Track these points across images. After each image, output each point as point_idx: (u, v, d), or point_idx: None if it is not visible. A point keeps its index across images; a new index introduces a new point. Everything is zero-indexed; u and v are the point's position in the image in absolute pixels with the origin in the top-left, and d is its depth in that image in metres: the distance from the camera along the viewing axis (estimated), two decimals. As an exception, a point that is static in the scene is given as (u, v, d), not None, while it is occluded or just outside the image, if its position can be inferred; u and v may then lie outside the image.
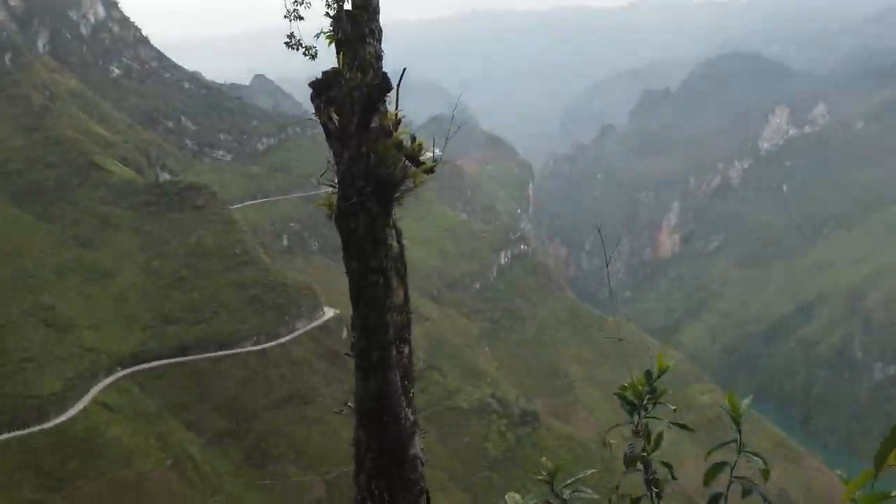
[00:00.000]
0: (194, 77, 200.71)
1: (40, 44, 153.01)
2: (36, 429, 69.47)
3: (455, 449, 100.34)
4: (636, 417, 3.89)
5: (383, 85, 3.56)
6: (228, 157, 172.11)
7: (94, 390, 77.45)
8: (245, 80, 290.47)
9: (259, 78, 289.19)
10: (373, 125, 3.77)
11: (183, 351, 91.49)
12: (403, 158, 3.91)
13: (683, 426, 4.03)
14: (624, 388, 3.88)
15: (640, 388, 3.89)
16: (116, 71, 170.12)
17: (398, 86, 5.56)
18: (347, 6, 5.32)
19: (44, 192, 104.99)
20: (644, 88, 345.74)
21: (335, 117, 3.70)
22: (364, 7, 5.18)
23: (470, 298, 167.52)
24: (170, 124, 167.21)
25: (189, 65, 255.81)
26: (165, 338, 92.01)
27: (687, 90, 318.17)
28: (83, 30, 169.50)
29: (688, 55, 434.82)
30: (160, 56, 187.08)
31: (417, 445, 4.08)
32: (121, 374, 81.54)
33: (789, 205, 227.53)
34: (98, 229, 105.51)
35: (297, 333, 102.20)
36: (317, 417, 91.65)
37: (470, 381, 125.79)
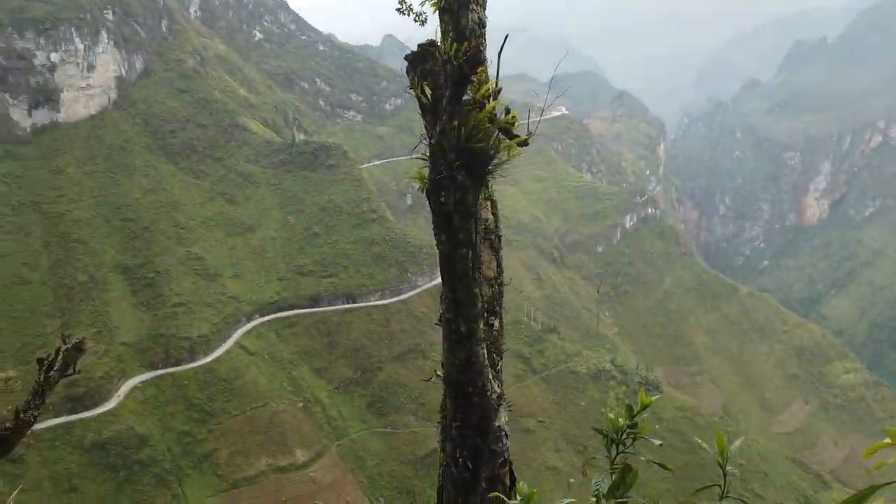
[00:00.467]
0: (328, 39, 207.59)
1: (192, 10, 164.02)
2: (187, 367, 77.21)
3: (571, 412, 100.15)
4: (613, 452, 3.61)
5: (475, 58, 3.51)
6: (359, 118, 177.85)
7: (237, 335, 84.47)
8: (376, 40, 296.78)
9: (389, 38, 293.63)
10: (465, 98, 3.73)
11: (314, 302, 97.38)
12: (497, 132, 3.84)
13: (663, 465, 3.74)
14: (610, 419, 3.68)
15: (619, 422, 3.64)
16: (258, 35, 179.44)
17: (500, 53, 5.49)
18: None
19: (195, 150, 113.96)
20: (795, 39, 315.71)
21: (428, 91, 3.71)
22: None
23: (592, 262, 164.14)
24: (305, 86, 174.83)
25: (324, 26, 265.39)
26: (299, 289, 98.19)
27: (847, 40, 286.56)
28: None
29: (847, 2, 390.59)
30: (298, 19, 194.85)
31: (503, 417, 4.13)
32: (259, 321, 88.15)
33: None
34: (241, 186, 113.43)
35: (418, 290, 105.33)
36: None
37: (589, 345, 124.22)
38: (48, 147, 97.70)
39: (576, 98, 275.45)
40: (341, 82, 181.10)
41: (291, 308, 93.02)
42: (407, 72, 4.25)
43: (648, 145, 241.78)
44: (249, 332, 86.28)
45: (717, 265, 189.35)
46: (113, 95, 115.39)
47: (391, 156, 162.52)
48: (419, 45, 4.33)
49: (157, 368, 77.10)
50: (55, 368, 4.36)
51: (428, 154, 4.05)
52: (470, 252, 3.68)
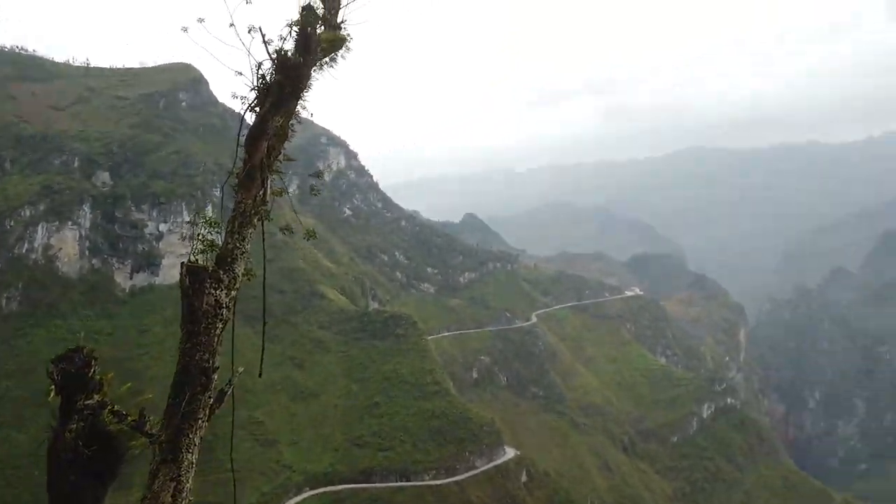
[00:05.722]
0: (411, 216, 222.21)
1: (291, 188, 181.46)
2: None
3: None
4: None
5: (79, 377, 4.22)
6: (432, 290, 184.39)
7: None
8: (457, 217, 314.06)
9: (469, 216, 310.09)
10: (89, 402, 4.39)
11: (367, 476, 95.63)
12: (124, 428, 4.38)
13: None
14: None
15: None
16: (347, 212, 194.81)
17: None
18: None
19: (272, 315, 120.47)
20: (884, 230, 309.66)
21: (52, 394, 4.39)
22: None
23: (666, 453, 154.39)
24: (385, 258, 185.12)
25: (412, 204, 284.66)
26: (353, 461, 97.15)
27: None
28: (326, 177, 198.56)
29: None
30: (385, 199, 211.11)
31: None
32: (309, 493, 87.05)
33: None
34: (310, 352, 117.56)
35: (475, 472, 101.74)
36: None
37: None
38: (140, 308, 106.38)
39: (653, 279, 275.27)
40: (419, 256, 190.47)
41: (343, 481, 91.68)
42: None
43: (728, 330, 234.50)
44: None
45: (808, 466, 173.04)
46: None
47: (461, 328, 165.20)
48: (65, 350, 5.08)
49: (201, 535, 76.32)
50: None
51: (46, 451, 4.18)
52: None
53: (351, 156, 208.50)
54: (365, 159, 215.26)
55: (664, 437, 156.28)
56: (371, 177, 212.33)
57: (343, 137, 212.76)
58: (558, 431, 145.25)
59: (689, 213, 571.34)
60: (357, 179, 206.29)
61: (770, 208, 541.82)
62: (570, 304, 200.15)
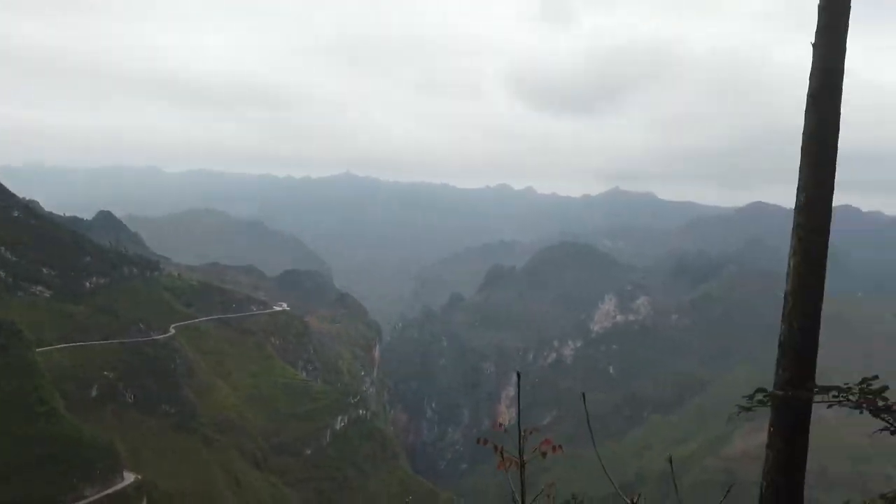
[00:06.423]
0: (28, 207, 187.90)
1: None
2: None
3: None
4: None
5: None
6: (48, 294, 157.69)
7: None
8: (90, 213, 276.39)
9: (104, 213, 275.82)
10: None
11: (-70, 521, 76.44)
12: None
13: None
14: None
15: None
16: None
17: None
18: None
19: None
20: (492, 265, 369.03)
21: None
22: None
23: (299, 465, 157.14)
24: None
25: (30, 192, 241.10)
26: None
27: (529, 271, 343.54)
28: None
29: (532, 240, 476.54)
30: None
31: None
32: None
33: (615, 386, 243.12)
34: None
35: (84, 503, 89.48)
36: None
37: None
38: None
39: (301, 295, 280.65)
40: (33, 253, 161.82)
41: None
42: None
43: (365, 346, 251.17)
44: None
45: (423, 469, 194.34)
46: None
47: (82, 339, 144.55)
48: None
49: None
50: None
51: None
52: None
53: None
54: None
55: (298, 449, 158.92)
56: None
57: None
58: (189, 450, 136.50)
59: (338, 234, 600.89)
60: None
61: (407, 237, 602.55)
62: (214, 318, 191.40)
